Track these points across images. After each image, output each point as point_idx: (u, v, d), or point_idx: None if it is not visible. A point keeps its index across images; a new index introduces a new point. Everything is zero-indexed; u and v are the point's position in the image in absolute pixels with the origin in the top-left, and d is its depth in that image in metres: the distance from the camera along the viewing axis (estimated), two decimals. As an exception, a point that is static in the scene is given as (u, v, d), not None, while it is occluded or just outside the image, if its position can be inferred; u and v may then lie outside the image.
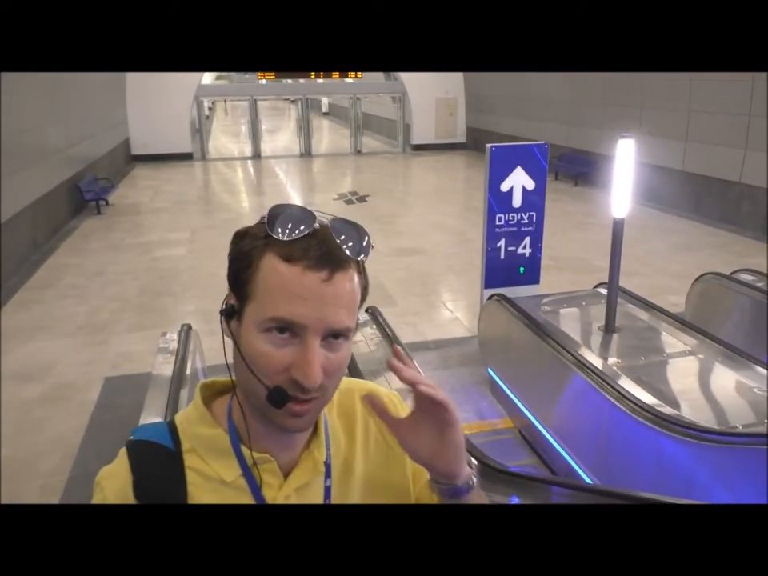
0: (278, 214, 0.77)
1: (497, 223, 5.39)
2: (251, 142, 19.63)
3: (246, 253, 0.78)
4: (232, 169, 18.05)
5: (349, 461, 0.92)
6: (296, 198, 13.75)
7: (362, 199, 12.61)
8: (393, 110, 21.24)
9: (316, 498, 0.87)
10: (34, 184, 9.20)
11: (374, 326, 4.31)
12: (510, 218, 5.40)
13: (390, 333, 4.16)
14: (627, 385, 3.37)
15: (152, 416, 3.27)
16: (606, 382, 3.39)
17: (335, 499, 0.88)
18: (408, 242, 9.45)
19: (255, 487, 0.83)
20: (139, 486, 0.81)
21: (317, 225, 0.77)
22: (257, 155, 19.36)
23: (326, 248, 0.75)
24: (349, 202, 12.49)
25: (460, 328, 6.30)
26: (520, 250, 5.52)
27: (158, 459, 0.82)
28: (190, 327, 4.45)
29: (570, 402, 3.82)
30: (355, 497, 0.90)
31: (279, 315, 0.74)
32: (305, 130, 19.56)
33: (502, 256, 5.50)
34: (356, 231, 0.79)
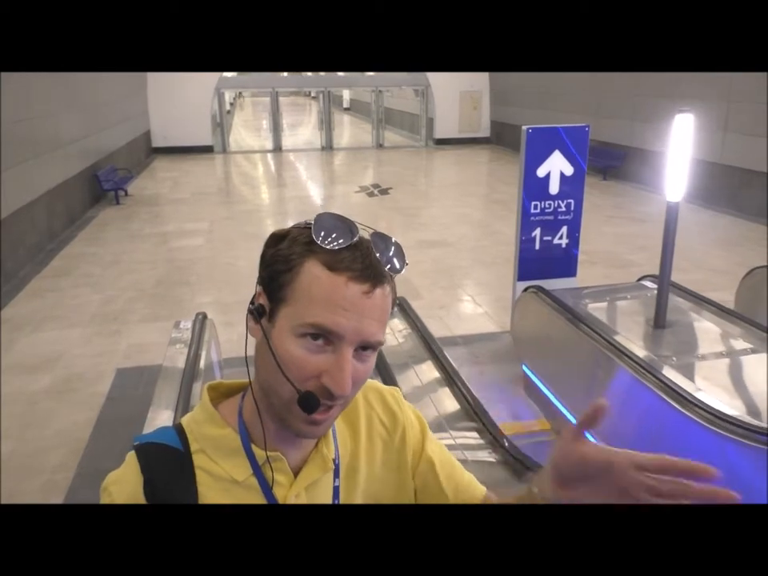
0: (324, 221, 0.76)
1: (532, 211, 5.05)
2: (272, 135, 19.42)
3: (285, 256, 0.76)
4: (252, 161, 17.85)
5: (354, 460, 0.92)
6: (317, 191, 13.50)
7: (384, 192, 12.31)
8: (415, 104, 20.90)
9: (325, 497, 0.87)
10: (49, 172, 9.01)
11: (402, 318, 4.01)
12: (547, 206, 5.06)
13: (419, 325, 3.85)
14: (685, 384, 3.03)
15: (161, 410, 3.00)
16: (661, 382, 3.05)
17: (343, 500, 0.89)
18: (432, 234, 9.13)
19: (266, 486, 0.83)
20: (150, 486, 0.79)
21: (359, 237, 0.77)
22: (277, 148, 19.14)
23: (369, 261, 0.75)
24: (371, 194, 12.20)
25: (489, 323, 5.97)
26: (556, 240, 5.17)
27: (167, 460, 0.81)
28: (205, 316, 4.18)
29: (617, 402, 3.48)
30: (361, 495, 0.91)
31: (319, 322, 0.73)
32: (326, 124, 19.31)
33: (537, 246, 5.15)
34: (394, 247, 0.79)
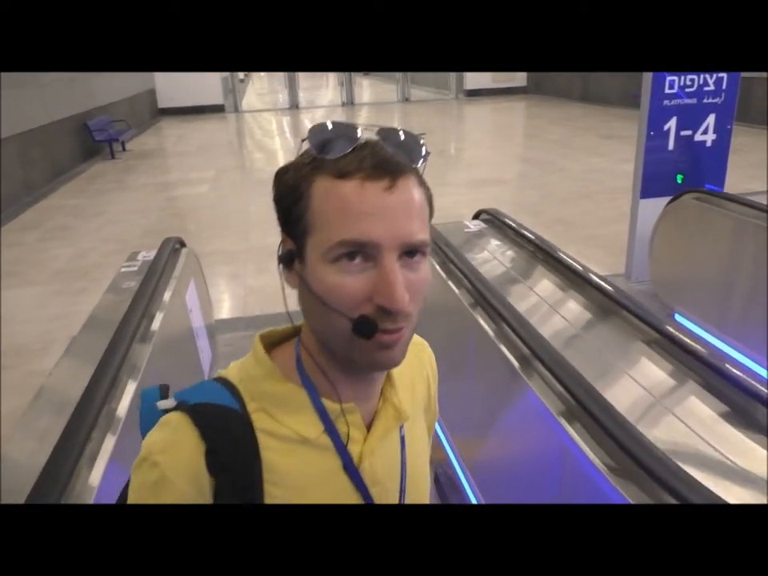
0: (320, 131, 0.64)
1: (666, 91, 3.43)
2: (288, 92, 17.76)
3: (293, 185, 0.65)
4: (266, 118, 16.28)
5: (408, 410, 0.82)
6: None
7: (417, 137, 10.71)
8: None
9: (394, 450, 0.77)
10: (20, 110, 7.54)
11: (497, 234, 2.48)
12: (688, 83, 3.44)
13: (529, 233, 2.31)
14: None
15: (59, 390, 1.53)
16: None
17: (407, 450, 0.79)
18: (483, 173, 7.55)
19: (340, 444, 0.70)
20: (213, 456, 0.64)
21: (363, 137, 0.64)
22: (294, 106, 17.50)
23: (381, 155, 0.63)
24: (402, 139, 10.61)
25: (591, 265, 4.38)
26: (699, 137, 3.55)
27: (228, 423, 0.66)
28: (182, 244, 2.67)
29: None
30: (414, 442, 0.82)
31: (347, 237, 0.61)
32: (346, 78, 17.62)
33: (671, 146, 3.54)
34: (408, 137, 0.66)
